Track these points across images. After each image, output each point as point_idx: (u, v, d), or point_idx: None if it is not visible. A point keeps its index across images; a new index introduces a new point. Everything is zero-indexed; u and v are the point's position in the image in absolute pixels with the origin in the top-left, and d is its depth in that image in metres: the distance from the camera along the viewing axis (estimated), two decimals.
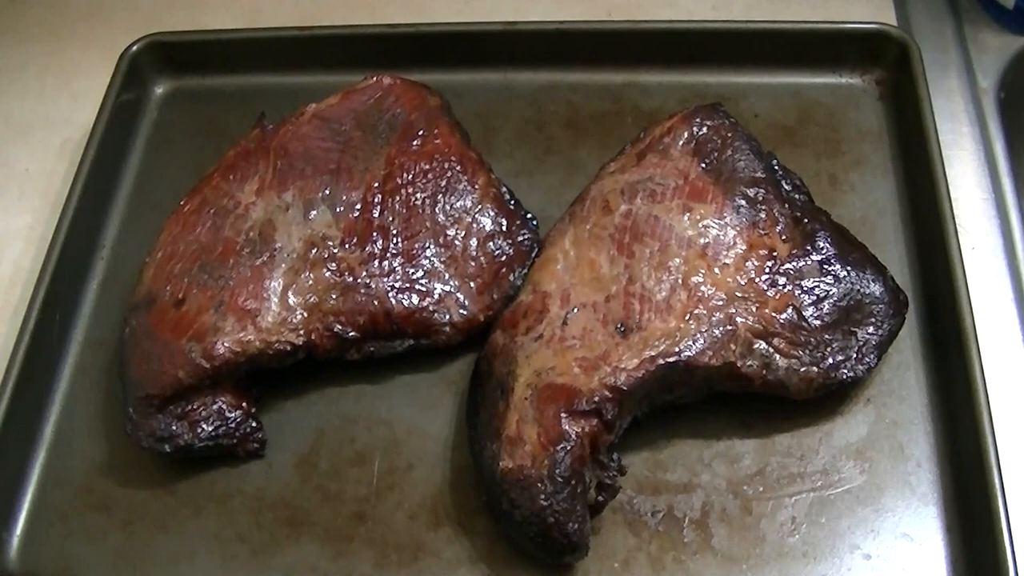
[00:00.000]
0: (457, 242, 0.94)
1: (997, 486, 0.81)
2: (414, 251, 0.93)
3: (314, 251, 0.92)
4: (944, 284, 0.91)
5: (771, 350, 0.85)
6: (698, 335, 0.84)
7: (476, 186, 0.96)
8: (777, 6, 1.17)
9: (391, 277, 0.92)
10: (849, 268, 0.88)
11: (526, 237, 0.95)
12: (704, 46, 1.09)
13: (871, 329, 0.87)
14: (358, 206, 0.94)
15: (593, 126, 1.08)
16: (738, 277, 0.87)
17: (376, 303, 0.90)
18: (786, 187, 0.92)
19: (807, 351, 0.85)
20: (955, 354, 0.88)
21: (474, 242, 0.94)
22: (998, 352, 0.93)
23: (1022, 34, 1.14)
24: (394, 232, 0.93)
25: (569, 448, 0.80)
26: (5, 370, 0.93)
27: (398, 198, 0.95)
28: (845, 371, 0.86)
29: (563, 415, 0.81)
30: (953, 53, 1.13)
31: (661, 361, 0.83)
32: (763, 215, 0.89)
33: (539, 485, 0.80)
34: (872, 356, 0.87)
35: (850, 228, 0.93)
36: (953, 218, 0.93)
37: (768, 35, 1.08)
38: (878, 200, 1.00)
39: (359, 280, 0.91)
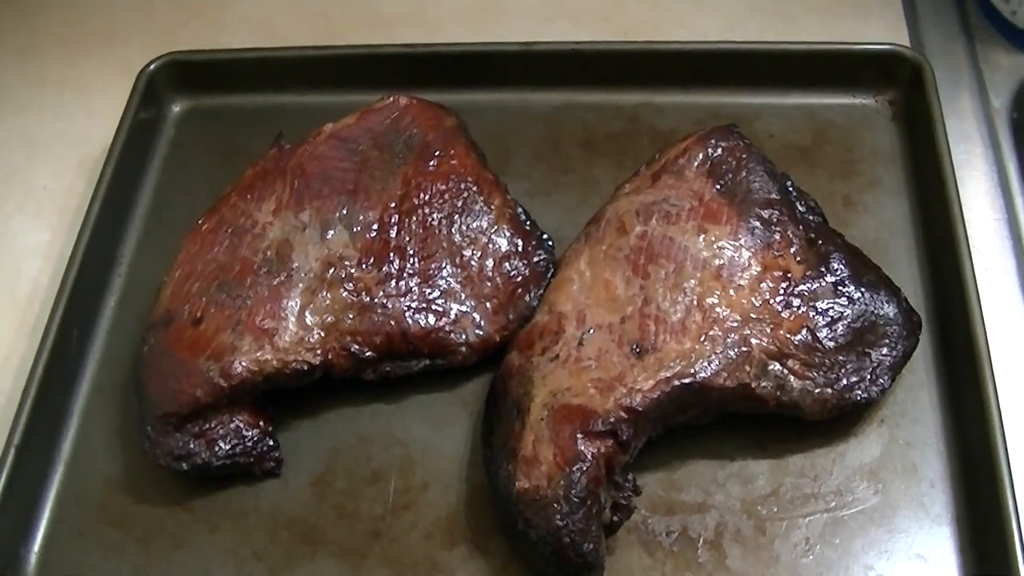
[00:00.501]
0: (473, 262, 0.94)
1: (1010, 507, 0.81)
2: (430, 271, 0.93)
3: (331, 271, 0.93)
4: (958, 305, 0.91)
5: (785, 371, 0.85)
6: (713, 356, 0.84)
7: (492, 207, 0.97)
8: (791, 27, 1.18)
9: (407, 297, 0.92)
10: (863, 289, 0.89)
11: (542, 258, 0.96)
12: (719, 67, 1.09)
13: (885, 350, 0.87)
14: (375, 226, 0.95)
15: (609, 146, 1.08)
16: (753, 298, 0.87)
17: (392, 323, 0.91)
18: (800, 208, 0.93)
19: (821, 372, 0.86)
20: (968, 375, 0.88)
21: (490, 262, 0.94)
22: (1011, 372, 0.93)
23: None
24: (411, 252, 0.94)
25: (585, 468, 0.81)
26: (24, 387, 0.93)
27: (415, 218, 0.95)
28: (859, 392, 0.86)
29: (579, 436, 0.82)
30: (966, 73, 1.14)
31: (676, 382, 0.83)
32: (777, 236, 0.90)
33: (555, 505, 0.80)
34: (886, 377, 0.87)
35: (864, 249, 0.93)
36: (967, 239, 0.93)
37: (783, 56, 1.09)
38: (892, 221, 1.01)
39: (376, 300, 0.92)
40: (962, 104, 1.11)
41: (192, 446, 0.89)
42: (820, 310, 0.87)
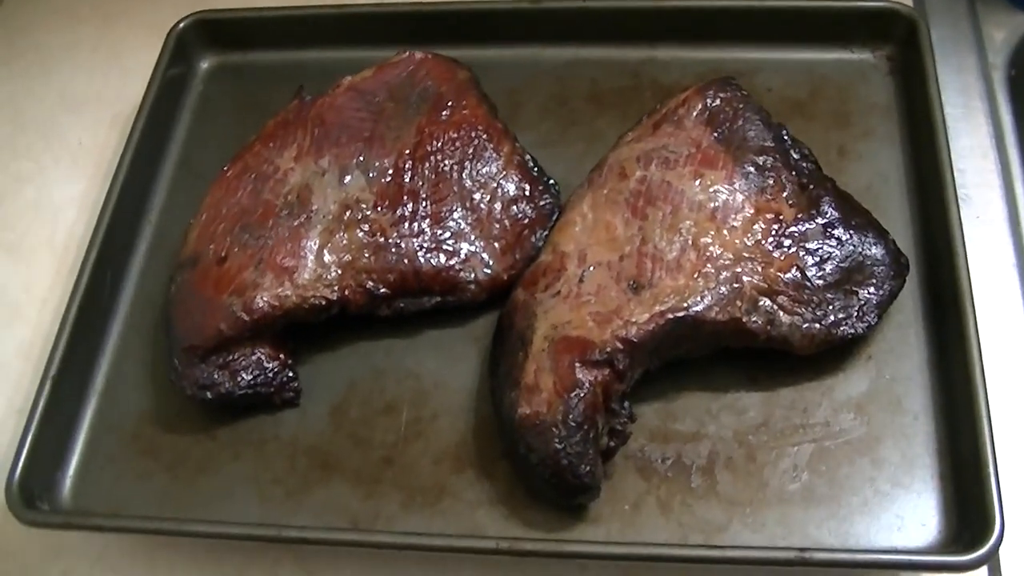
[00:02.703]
0: (482, 206, 0.98)
1: (987, 438, 0.84)
2: (442, 214, 0.97)
3: (348, 213, 0.97)
4: (944, 248, 0.94)
5: (775, 307, 0.88)
6: (706, 292, 0.88)
7: (501, 154, 1.01)
8: None
9: (420, 238, 0.96)
10: (852, 232, 0.92)
11: (547, 201, 1.00)
12: (721, 23, 1.12)
13: (872, 289, 0.90)
14: (390, 172, 0.99)
15: (613, 100, 1.12)
16: (745, 239, 0.90)
17: (406, 262, 0.95)
18: (794, 155, 0.95)
19: (809, 309, 0.89)
20: (953, 314, 0.91)
21: (498, 206, 0.99)
22: (999, 314, 0.97)
23: None
24: (423, 196, 0.98)
25: (582, 395, 0.85)
26: (59, 325, 0.98)
27: (427, 164, 0.99)
28: (846, 328, 0.89)
29: (577, 365, 0.86)
30: (966, 31, 1.16)
31: (670, 316, 0.87)
32: (771, 181, 0.93)
33: (553, 429, 0.84)
34: (872, 315, 0.90)
35: (856, 195, 0.96)
36: (955, 186, 0.96)
37: (782, 12, 1.11)
38: (884, 169, 1.03)
39: (390, 240, 0.96)
40: (961, 60, 1.14)
41: (216, 376, 0.94)
42: (809, 250, 0.90)
